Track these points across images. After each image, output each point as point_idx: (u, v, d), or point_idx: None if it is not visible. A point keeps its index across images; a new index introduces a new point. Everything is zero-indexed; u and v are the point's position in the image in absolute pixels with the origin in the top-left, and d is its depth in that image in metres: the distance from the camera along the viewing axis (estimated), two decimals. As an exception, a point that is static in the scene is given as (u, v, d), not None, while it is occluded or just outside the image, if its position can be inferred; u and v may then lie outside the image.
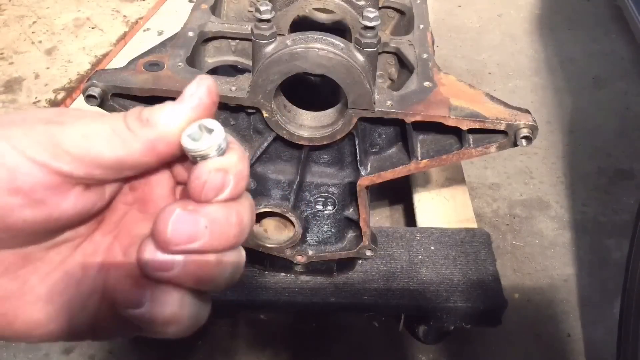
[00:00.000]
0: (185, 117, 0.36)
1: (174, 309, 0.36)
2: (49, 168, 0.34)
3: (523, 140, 1.00)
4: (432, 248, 1.36)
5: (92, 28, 2.44)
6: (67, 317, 0.38)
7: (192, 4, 1.22)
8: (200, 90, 0.36)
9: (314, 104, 1.06)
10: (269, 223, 1.19)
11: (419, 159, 1.06)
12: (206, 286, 0.37)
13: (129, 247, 0.40)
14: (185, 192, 0.39)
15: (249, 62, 1.13)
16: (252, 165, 1.09)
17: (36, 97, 2.10)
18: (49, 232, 0.37)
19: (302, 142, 1.03)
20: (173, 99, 0.38)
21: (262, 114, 0.99)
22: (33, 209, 0.34)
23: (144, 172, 0.39)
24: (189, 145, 0.35)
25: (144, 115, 0.36)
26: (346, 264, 1.29)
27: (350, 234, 1.24)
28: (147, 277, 0.36)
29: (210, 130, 0.36)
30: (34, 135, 0.34)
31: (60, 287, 0.38)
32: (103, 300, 0.39)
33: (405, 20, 1.30)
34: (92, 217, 0.39)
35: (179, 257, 0.36)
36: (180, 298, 0.37)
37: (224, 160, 0.36)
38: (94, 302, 0.39)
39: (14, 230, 0.35)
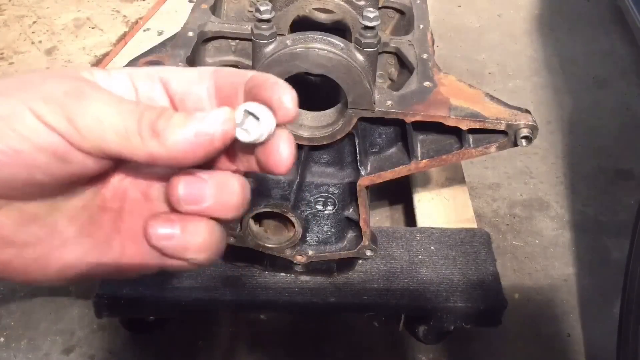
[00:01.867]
0: (191, 151, 0.37)
1: (205, 236, 0.40)
2: (64, 137, 0.36)
3: (523, 140, 1.00)
4: (432, 248, 1.36)
5: (92, 28, 2.44)
6: (95, 256, 0.41)
7: (192, 4, 1.22)
8: (217, 134, 0.37)
9: (314, 104, 1.06)
10: (269, 223, 1.19)
11: (419, 159, 1.06)
12: (231, 214, 0.41)
13: (148, 189, 0.43)
14: None
15: (249, 62, 1.13)
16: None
17: (36, 97, 2.09)
18: (73, 184, 0.39)
19: (302, 142, 1.03)
20: None
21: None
22: (60, 166, 0.36)
23: None
24: (244, 138, 0.38)
25: (159, 125, 0.36)
26: (346, 264, 1.29)
27: (350, 234, 1.24)
28: (179, 211, 0.40)
29: (255, 117, 0.38)
30: (51, 105, 0.35)
31: (86, 230, 0.41)
32: (129, 240, 0.42)
33: (405, 20, 1.30)
34: (110, 168, 0.42)
35: (211, 190, 0.39)
36: (209, 226, 0.40)
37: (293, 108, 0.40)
38: (120, 242, 0.42)
39: (43, 185, 0.37)
